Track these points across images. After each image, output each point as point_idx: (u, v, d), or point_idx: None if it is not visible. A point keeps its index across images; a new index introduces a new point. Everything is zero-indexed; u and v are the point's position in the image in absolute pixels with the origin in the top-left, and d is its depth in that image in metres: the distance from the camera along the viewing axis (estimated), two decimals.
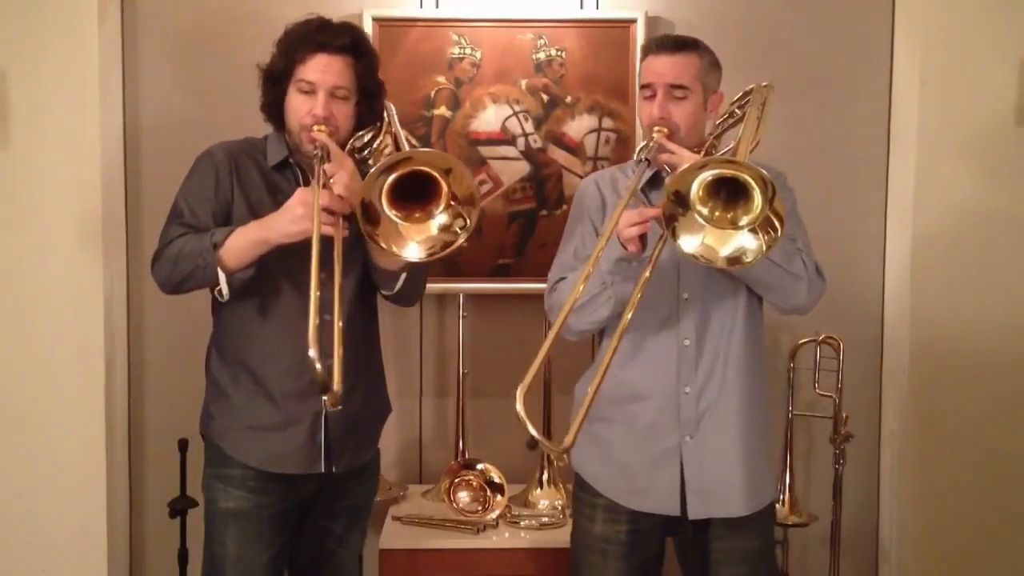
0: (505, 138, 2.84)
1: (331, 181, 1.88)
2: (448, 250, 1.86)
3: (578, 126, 2.84)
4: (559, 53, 2.81)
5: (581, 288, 1.79)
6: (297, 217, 1.85)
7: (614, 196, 2.10)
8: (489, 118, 2.83)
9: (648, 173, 2.02)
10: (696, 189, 1.77)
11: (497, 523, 2.59)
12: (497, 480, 2.64)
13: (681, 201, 1.78)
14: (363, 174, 1.96)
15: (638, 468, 2.03)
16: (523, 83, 2.82)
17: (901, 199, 2.84)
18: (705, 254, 1.80)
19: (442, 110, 2.82)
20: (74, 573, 2.70)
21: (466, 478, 2.66)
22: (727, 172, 1.75)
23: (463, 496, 2.65)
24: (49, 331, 2.66)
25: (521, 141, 2.84)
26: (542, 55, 2.81)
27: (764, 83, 2.13)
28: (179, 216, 2.03)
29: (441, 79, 2.81)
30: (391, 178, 1.80)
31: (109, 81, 2.72)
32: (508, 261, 2.86)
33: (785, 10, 2.86)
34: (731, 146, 1.99)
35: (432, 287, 2.81)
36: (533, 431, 1.68)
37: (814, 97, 2.89)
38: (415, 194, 1.83)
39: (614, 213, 1.85)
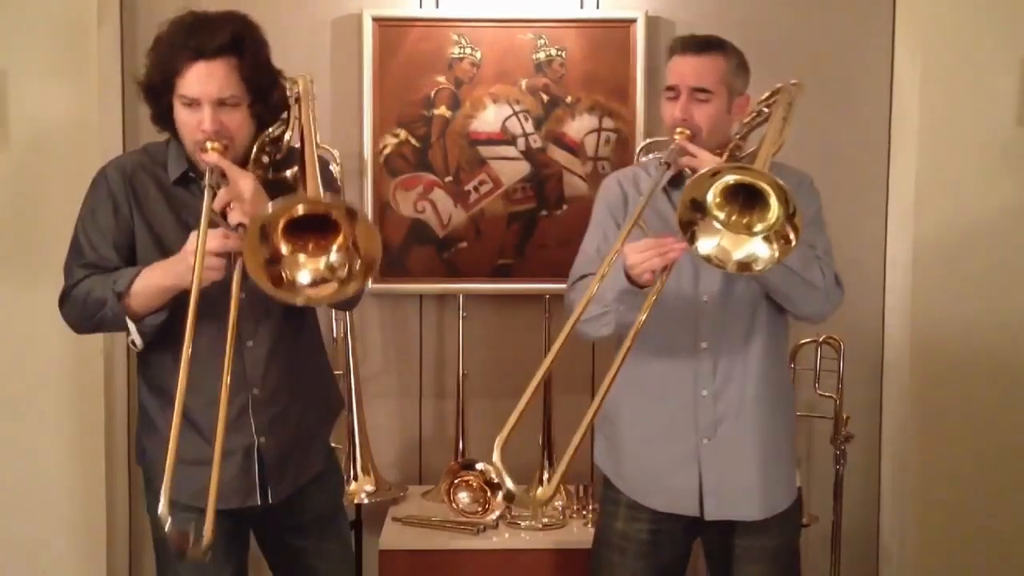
0: (505, 138, 2.83)
1: (229, 208, 1.73)
2: (318, 290, 1.67)
3: (578, 126, 2.83)
4: (559, 53, 2.81)
5: (594, 291, 1.79)
6: (192, 267, 1.67)
7: (635, 193, 2.10)
8: (489, 118, 2.82)
9: (668, 175, 1.99)
10: (713, 195, 1.76)
11: (497, 524, 2.59)
12: (497, 481, 2.63)
13: (698, 207, 1.77)
14: (272, 182, 1.84)
15: (656, 470, 2.04)
16: (523, 83, 2.81)
17: (902, 199, 2.83)
18: (719, 255, 1.79)
19: (442, 110, 2.82)
20: (74, 573, 2.70)
21: (466, 479, 2.65)
22: (742, 179, 1.73)
23: (463, 497, 2.64)
24: (48, 332, 2.64)
25: (521, 141, 2.83)
26: (542, 55, 2.81)
27: (793, 81, 2.11)
28: (80, 255, 1.88)
29: (441, 79, 2.81)
30: (291, 214, 1.64)
31: (108, 83, 2.71)
32: (508, 261, 2.85)
33: (786, 10, 2.86)
34: (752, 149, 1.98)
35: (432, 287, 2.82)
36: (510, 484, 1.69)
37: (815, 97, 2.86)
38: (315, 226, 1.67)
39: (634, 211, 1.85)
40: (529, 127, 2.83)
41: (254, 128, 1.87)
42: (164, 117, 1.86)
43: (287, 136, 1.92)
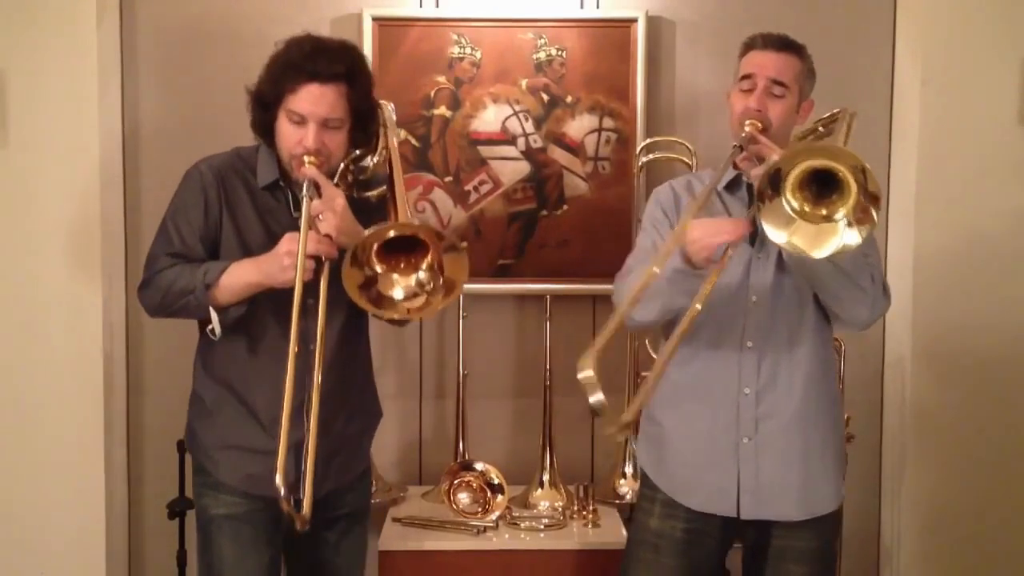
0: (505, 138, 2.83)
1: (319, 219, 1.87)
2: (414, 301, 1.87)
3: (578, 126, 2.83)
4: (559, 53, 2.81)
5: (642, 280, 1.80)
6: (285, 267, 1.86)
7: (688, 197, 2.10)
8: (489, 118, 2.82)
9: (738, 157, 2.00)
10: (796, 175, 1.75)
11: (497, 524, 2.58)
12: (497, 481, 2.63)
13: (775, 182, 1.76)
14: (354, 202, 1.97)
15: (695, 467, 2.04)
16: (523, 83, 2.81)
17: (903, 199, 2.83)
18: (796, 244, 1.78)
19: (442, 110, 2.81)
20: (73, 574, 2.69)
21: (466, 479, 2.65)
22: (837, 168, 1.72)
23: (463, 497, 2.64)
24: (47, 331, 2.65)
25: (521, 141, 2.83)
26: (542, 55, 2.81)
27: (852, 111, 2.12)
28: (168, 244, 2.00)
29: (441, 79, 2.80)
30: (386, 237, 1.81)
31: (107, 82, 2.71)
32: (508, 261, 2.85)
33: (786, 11, 2.85)
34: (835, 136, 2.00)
35: None
36: (601, 398, 1.64)
37: (815, 98, 2.86)
38: (405, 245, 1.85)
39: (700, 194, 1.86)
40: (529, 127, 2.83)
41: (347, 150, 2.00)
42: (264, 126, 1.98)
43: (370, 159, 2.05)
